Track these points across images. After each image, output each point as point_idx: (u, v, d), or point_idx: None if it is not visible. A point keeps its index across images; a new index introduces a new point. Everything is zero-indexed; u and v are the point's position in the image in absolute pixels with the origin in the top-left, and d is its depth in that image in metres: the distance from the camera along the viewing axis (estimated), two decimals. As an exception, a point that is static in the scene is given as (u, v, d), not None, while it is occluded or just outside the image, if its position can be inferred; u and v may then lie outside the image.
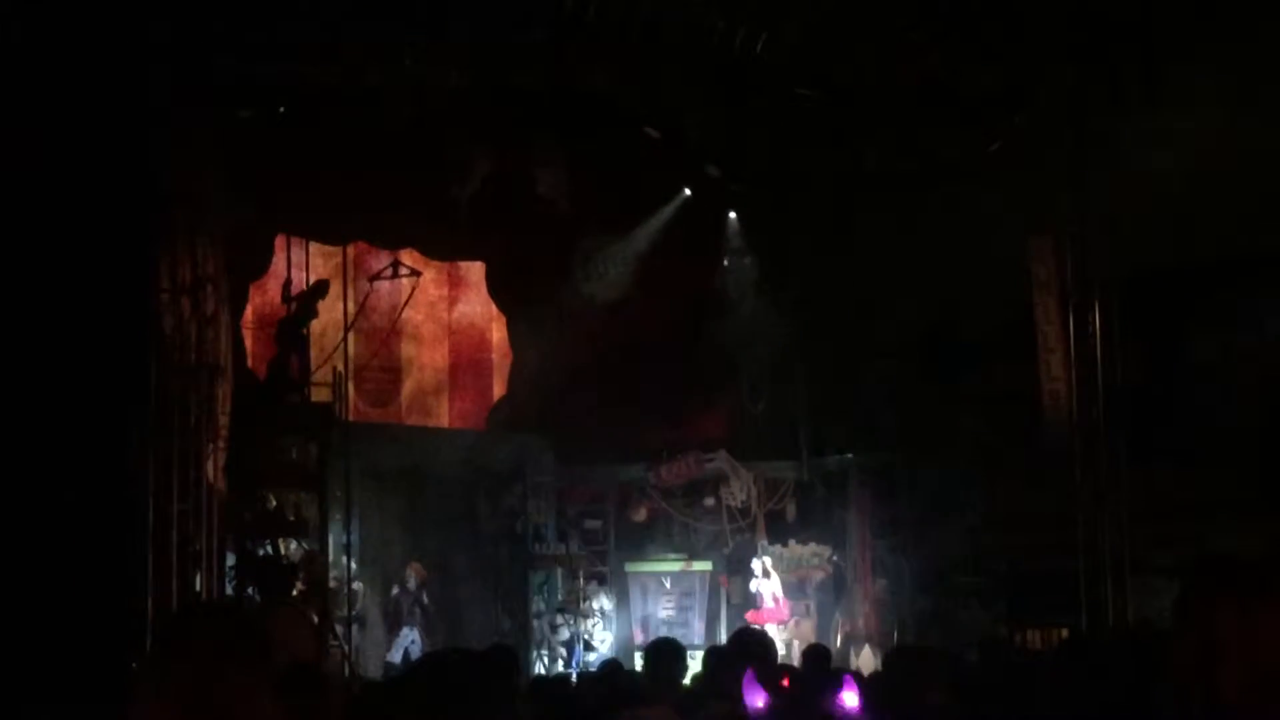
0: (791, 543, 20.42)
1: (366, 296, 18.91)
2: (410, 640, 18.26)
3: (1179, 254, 15.16)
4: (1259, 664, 2.90)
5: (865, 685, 5.77)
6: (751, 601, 19.70)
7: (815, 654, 9.37)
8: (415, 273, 19.01)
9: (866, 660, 18.12)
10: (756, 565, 19.71)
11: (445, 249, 20.25)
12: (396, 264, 18.89)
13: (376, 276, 18.98)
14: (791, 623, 19.63)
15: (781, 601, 19.49)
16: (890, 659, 6.06)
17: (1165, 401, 15.37)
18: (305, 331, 16.59)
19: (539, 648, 19.52)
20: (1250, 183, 14.06)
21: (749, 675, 4.27)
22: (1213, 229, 14.62)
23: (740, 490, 20.56)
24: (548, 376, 20.45)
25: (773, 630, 18.74)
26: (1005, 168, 15.84)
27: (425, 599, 18.62)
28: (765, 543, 20.40)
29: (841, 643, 19.09)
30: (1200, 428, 15.26)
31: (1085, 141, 14.83)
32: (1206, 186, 14.08)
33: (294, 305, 16.74)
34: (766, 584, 19.57)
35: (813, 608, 20.13)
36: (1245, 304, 15.21)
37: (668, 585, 20.75)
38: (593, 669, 15.83)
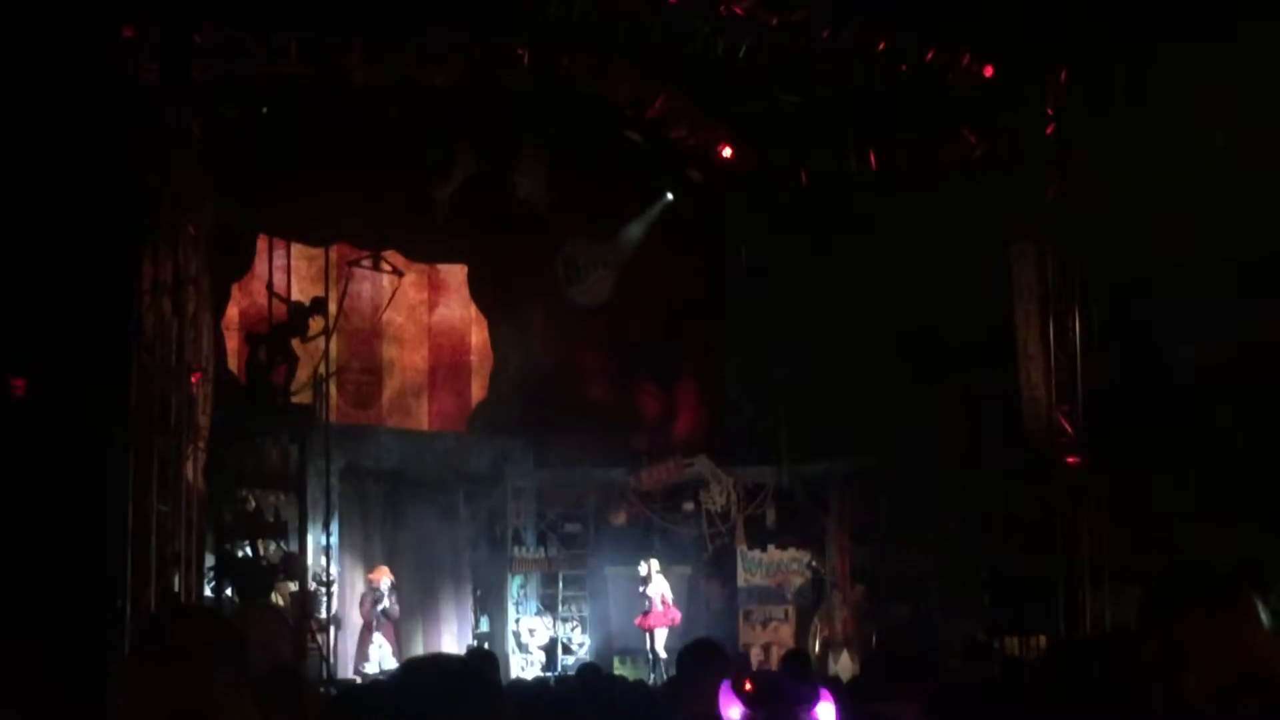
0: (771, 547, 20.40)
1: (346, 284, 18.77)
2: (379, 645, 18.05)
3: (1159, 258, 15.20)
4: (1223, 668, 2.92)
5: (843, 693, 5.76)
6: (640, 606, 19.32)
7: (794, 659, 9.37)
8: (397, 272, 18.94)
9: (845, 666, 18.12)
10: (643, 568, 19.30)
11: (427, 251, 20.18)
12: (378, 257, 18.84)
13: (355, 262, 18.88)
14: (771, 627, 19.62)
15: (670, 604, 19.19)
16: (868, 662, 6.07)
17: (1144, 406, 15.39)
18: (295, 342, 16.59)
19: (517, 651, 19.48)
20: (1233, 187, 14.10)
21: (725, 685, 4.24)
22: (1194, 233, 14.66)
23: (720, 495, 20.53)
24: (528, 379, 20.45)
25: (662, 635, 18.76)
26: (989, 170, 15.88)
27: (388, 603, 18.22)
28: (744, 548, 20.40)
29: (820, 648, 19.08)
30: (1179, 433, 15.29)
31: (1069, 145, 14.88)
32: (1190, 191, 14.13)
33: (289, 311, 16.68)
34: (653, 587, 19.19)
35: (791, 613, 20.12)
36: (1225, 308, 15.25)
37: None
38: (571, 673, 15.82)
